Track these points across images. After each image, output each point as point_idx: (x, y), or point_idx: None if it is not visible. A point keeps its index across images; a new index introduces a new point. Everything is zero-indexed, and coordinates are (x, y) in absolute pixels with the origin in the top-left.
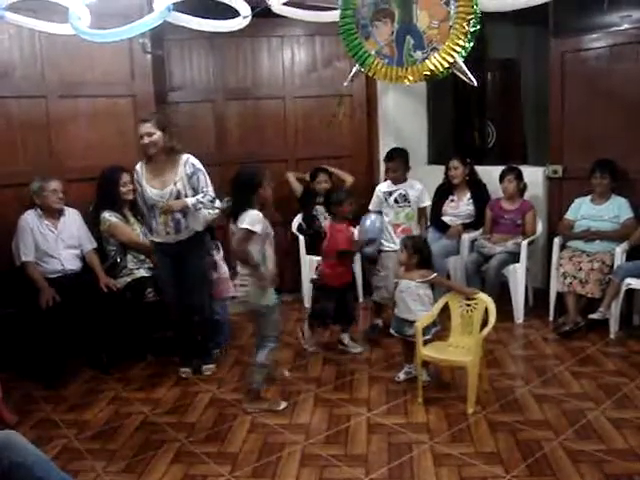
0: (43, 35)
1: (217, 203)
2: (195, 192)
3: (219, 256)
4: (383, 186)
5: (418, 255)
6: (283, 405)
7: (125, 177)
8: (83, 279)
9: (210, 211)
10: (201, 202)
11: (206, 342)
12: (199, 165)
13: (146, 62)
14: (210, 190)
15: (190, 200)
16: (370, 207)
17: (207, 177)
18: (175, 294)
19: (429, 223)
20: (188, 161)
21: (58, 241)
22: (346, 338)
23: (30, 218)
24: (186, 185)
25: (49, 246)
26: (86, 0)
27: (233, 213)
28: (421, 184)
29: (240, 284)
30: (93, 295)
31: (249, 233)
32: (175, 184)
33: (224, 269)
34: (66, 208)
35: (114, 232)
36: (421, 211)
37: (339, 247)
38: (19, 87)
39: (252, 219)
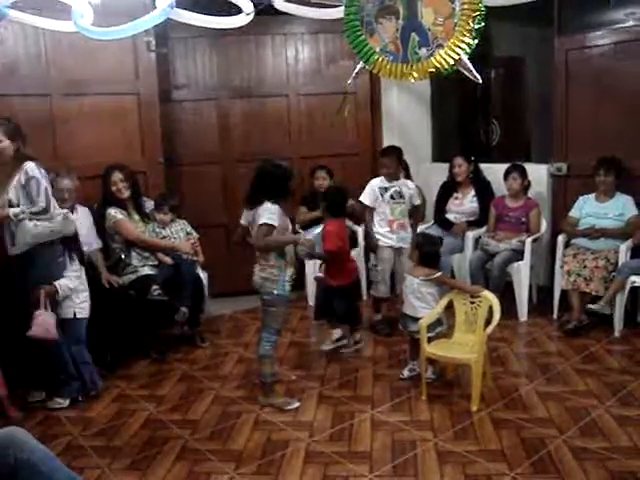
0: (48, 33)
1: (54, 219)
2: (34, 203)
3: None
4: (377, 182)
5: (417, 251)
6: (295, 405)
7: (115, 176)
8: (87, 277)
9: (38, 223)
10: (23, 212)
11: (53, 372)
12: (34, 172)
13: (150, 60)
14: (41, 200)
15: (13, 210)
16: (365, 201)
17: (41, 186)
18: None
19: (422, 221)
20: (24, 169)
21: None
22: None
23: None
24: (20, 194)
25: None
26: None
27: (249, 203)
28: (414, 184)
29: (259, 270)
30: (97, 293)
31: (268, 227)
32: (7, 192)
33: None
34: (78, 206)
35: (119, 228)
36: (414, 209)
37: (326, 247)
38: (24, 85)
39: (270, 213)
